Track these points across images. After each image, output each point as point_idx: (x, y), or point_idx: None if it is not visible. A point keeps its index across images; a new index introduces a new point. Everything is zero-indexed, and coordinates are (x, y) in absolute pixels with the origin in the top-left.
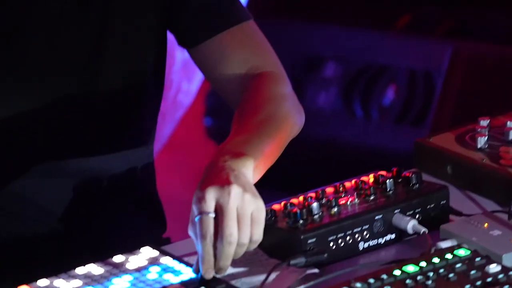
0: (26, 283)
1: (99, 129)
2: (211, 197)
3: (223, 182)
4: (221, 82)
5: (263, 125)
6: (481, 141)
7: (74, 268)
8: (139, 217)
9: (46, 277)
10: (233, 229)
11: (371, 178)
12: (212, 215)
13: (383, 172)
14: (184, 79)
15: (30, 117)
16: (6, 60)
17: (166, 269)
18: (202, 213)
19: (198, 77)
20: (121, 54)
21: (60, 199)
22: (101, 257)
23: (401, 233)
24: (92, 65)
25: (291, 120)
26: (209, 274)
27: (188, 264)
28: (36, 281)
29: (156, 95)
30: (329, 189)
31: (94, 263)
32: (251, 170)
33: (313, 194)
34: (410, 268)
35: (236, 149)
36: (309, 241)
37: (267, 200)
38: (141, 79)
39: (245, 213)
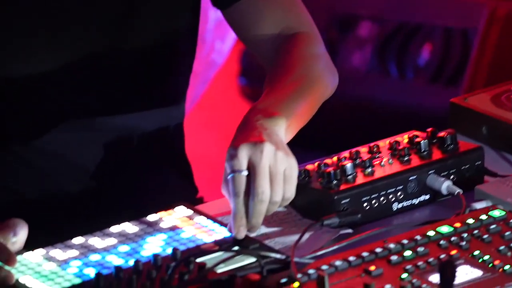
0: (60, 241)
1: (131, 86)
2: (243, 154)
3: (256, 139)
4: (255, 43)
5: (295, 85)
6: None
7: (109, 227)
8: (171, 177)
9: (81, 235)
10: (265, 187)
11: (405, 138)
12: (245, 173)
13: (417, 133)
14: (217, 38)
15: (61, 71)
16: (39, 12)
17: (200, 228)
18: (234, 171)
19: (231, 36)
20: (155, 11)
21: (92, 155)
22: (135, 216)
23: (435, 194)
24: (125, 21)
25: (324, 80)
26: (241, 232)
27: (222, 223)
28: (71, 239)
29: (189, 54)
30: (363, 150)
31: (128, 221)
32: (283, 129)
33: (347, 155)
34: (444, 229)
35: (269, 108)
36: (343, 201)
37: (301, 160)
38: (174, 37)
39: (277, 171)
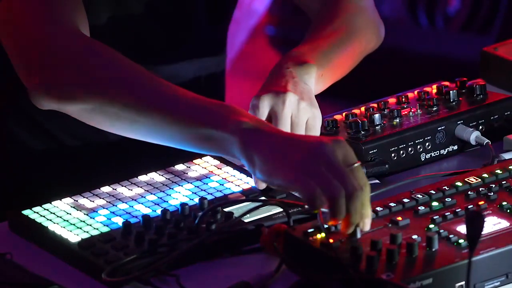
0: (88, 190)
1: (172, 35)
2: (264, 104)
3: (279, 89)
4: None
5: (334, 34)
6: None
7: (137, 176)
8: None
9: (109, 185)
10: None
11: (434, 88)
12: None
13: (446, 83)
14: None
15: (109, 23)
16: None
17: (227, 178)
18: None
19: None
20: None
21: None
22: (163, 165)
23: (464, 144)
24: None
25: (367, 33)
26: (263, 185)
27: (248, 173)
28: (99, 187)
29: (233, 2)
30: (392, 100)
31: (156, 171)
32: (313, 77)
33: (375, 105)
34: (472, 180)
35: (302, 55)
36: (371, 151)
37: (329, 110)
38: None
39: (299, 121)
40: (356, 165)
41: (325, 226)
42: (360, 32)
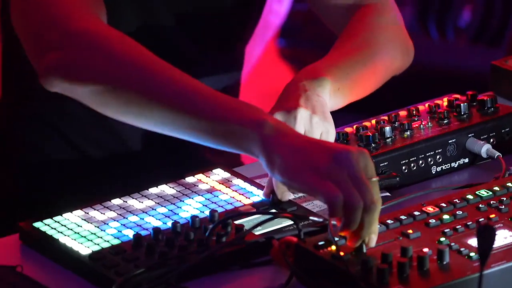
0: (99, 202)
1: (204, 49)
2: None
3: (291, 105)
4: (328, 10)
5: (354, 51)
6: None
7: (147, 188)
8: None
9: (119, 197)
10: None
11: (445, 101)
12: None
13: (457, 95)
14: None
15: (143, 28)
16: None
17: (237, 191)
18: None
19: None
20: None
21: None
22: (173, 177)
23: (475, 157)
24: None
25: (389, 51)
26: (285, 196)
27: (259, 186)
28: (110, 200)
29: (254, 19)
30: (402, 112)
31: (166, 183)
32: (327, 89)
33: (386, 117)
34: (483, 193)
35: (317, 69)
36: (381, 164)
37: (340, 123)
38: (251, 1)
39: (312, 136)
40: (374, 179)
41: (336, 238)
42: (382, 48)
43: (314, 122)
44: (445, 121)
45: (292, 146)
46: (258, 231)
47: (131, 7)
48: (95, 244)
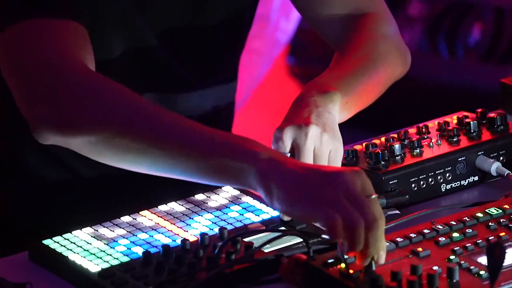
0: (109, 220)
1: (197, 65)
2: (288, 137)
3: (302, 121)
4: (321, 23)
5: (358, 62)
6: None
7: (157, 206)
8: None
9: (129, 214)
10: None
11: (454, 119)
12: (288, 155)
13: (467, 113)
14: (281, 17)
15: (130, 50)
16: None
17: (247, 208)
18: None
19: (295, 15)
20: None
21: None
22: (183, 195)
23: (484, 175)
24: (197, 2)
25: (391, 61)
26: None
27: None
28: (120, 217)
29: (247, 33)
30: (412, 130)
31: (176, 201)
32: (337, 105)
33: (395, 135)
34: (493, 211)
35: (326, 84)
36: (391, 182)
37: (350, 140)
38: (242, 13)
39: (322, 154)
40: (373, 196)
41: (345, 256)
42: (384, 58)
43: (324, 140)
44: (455, 139)
45: (287, 175)
46: (267, 249)
47: (116, 29)
48: (105, 261)
